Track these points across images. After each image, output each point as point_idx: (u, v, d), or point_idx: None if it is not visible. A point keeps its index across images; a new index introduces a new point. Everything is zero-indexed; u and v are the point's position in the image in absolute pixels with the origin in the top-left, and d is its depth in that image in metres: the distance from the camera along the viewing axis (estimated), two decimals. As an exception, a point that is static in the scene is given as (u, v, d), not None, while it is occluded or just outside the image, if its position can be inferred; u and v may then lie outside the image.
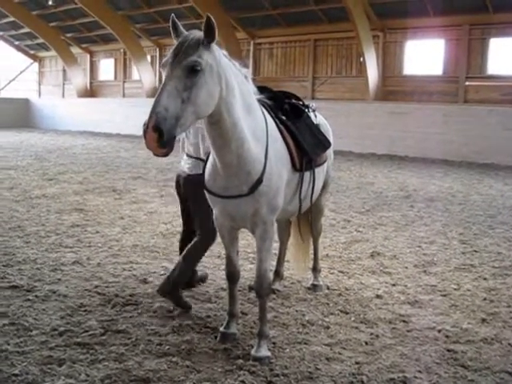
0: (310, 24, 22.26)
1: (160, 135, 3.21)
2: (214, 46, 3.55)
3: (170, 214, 9.01)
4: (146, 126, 3.23)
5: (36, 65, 36.90)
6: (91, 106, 30.70)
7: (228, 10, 23.34)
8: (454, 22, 19.08)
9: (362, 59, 20.53)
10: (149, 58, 28.99)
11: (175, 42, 3.51)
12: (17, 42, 35.35)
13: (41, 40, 31.88)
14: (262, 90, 4.40)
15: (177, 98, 3.30)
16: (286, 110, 4.50)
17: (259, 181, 3.90)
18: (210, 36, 3.45)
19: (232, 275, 4.45)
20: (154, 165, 15.55)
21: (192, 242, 5.12)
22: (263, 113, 4.13)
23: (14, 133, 27.31)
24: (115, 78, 32.23)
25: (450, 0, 18.63)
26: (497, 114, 17.32)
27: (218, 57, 3.57)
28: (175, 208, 9.50)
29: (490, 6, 17.96)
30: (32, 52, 36.26)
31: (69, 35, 31.76)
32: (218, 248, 6.92)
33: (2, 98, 34.70)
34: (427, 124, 18.19)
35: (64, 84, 34.82)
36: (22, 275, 5.81)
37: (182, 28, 3.54)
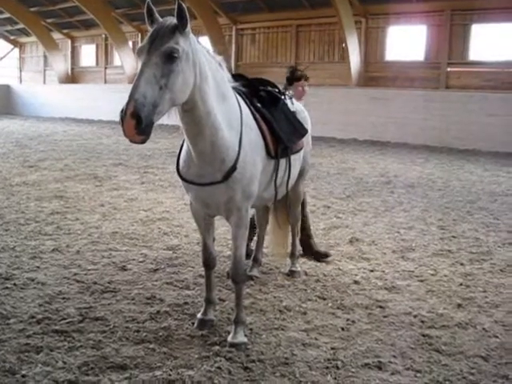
0: (293, 9, 22.13)
1: (138, 122, 3.20)
2: (190, 33, 3.53)
3: (150, 201, 8.99)
4: (124, 113, 3.21)
5: (16, 50, 36.36)
6: (73, 92, 30.36)
7: (210, -4, 23.16)
8: (435, 7, 19.07)
9: (344, 45, 20.48)
10: (130, 43, 28.65)
11: (150, 29, 3.48)
12: (-4, 28, 34.82)
13: (21, 25, 31.33)
14: (237, 77, 4.39)
15: (154, 85, 3.29)
16: (261, 97, 4.49)
17: (233, 168, 3.91)
18: (182, 22, 3.43)
19: (208, 261, 4.47)
20: (135, 151, 15.44)
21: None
22: (238, 100, 4.13)
23: (-5, 119, 26.99)
24: (97, 63, 31.87)
25: (432, -15, 18.65)
26: (478, 99, 17.40)
27: (192, 44, 3.56)
28: (155, 195, 9.50)
29: (472, -9, 18.00)
30: (12, 37, 35.70)
31: (49, 20, 31.27)
32: (196, 235, 6.94)
33: (-19, 84, 34.21)
34: (409, 110, 18.25)
35: (45, 70, 34.35)
36: (0, 263, 5.77)
37: (157, 15, 3.51)
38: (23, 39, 35.17)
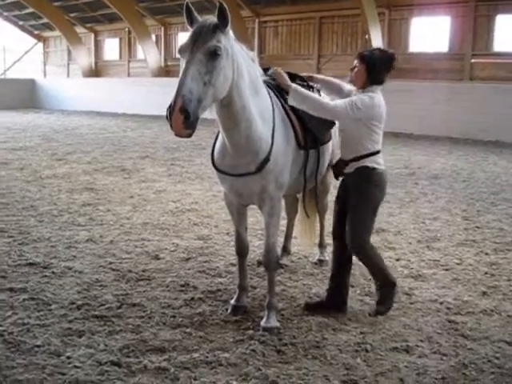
0: (315, 1, 22.18)
1: (186, 117, 3.39)
2: (229, 31, 3.70)
3: (178, 193, 9.20)
4: (172, 108, 3.39)
5: (40, 45, 36.87)
6: (96, 85, 30.74)
7: (233, -12, 23.26)
8: (459, -2, 19.00)
9: (367, 37, 20.47)
10: (153, 37, 28.96)
11: (190, 28, 3.66)
12: (21, 23, 35.26)
13: (45, 20, 31.80)
14: (265, 71, 4.54)
15: (199, 81, 3.48)
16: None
17: (266, 159, 4.07)
18: (223, 21, 3.61)
19: (241, 250, 4.65)
20: (161, 144, 15.72)
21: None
22: (269, 94, 4.28)
23: (21, 113, 27.44)
24: (120, 57, 32.23)
25: (456, -24, 18.56)
26: (502, 91, 17.31)
27: (231, 41, 3.73)
28: (183, 187, 9.71)
29: (496, -18, 17.88)
30: (36, 32, 36.20)
31: (73, 15, 31.70)
32: (226, 225, 7.14)
33: (7, 78, 34.78)
34: (432, 101, 18.20)
35: (69, 64, 34.82)
36: (37, 253, 6.01)
37: (196, 14, 3.68)
38: (47, 34, 35.64)
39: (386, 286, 4.54)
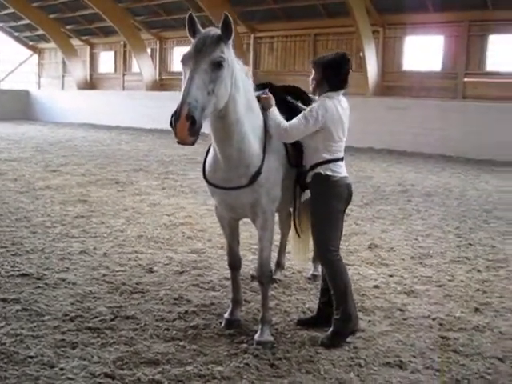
0: (310, 18, 22.35)
1: (192, 124, 3.44)
2: (231, 43, 3.78)
3: (172, 206, 9.21)
4: (178, 116, 3.44)
5: (35, 56, 36.90)
6: (91, 98, 30.76)
7: (230, 4, 23.43)
8: (453, 18, 19.19)
9: (361, 54, 20.64)
10: (149, 50, 29.06)
11: (191, 39, 3.73)
12: (16, 34, 35.28)
13: (40, 31, 31.83)
14: (264, 86, 4.57)
15: (204, 90, 3.54)
16: (288, 106, 4.63)
17: (258, 173, 4.12)
18: (227, 33, 3.70)
19: (233, 263, 4.69)
20: (155, 157, 15.76)
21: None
22: (260, 109, 4.33)
23: (14, 125, 27.37)
24: (115, 70, 32.28)
25: (450, -4, 18.80)
26: (495, 110, 17.46)
27: (232, 53, 3.81)
28: (177, 200, 9.72)
29: (489, 2, 18.09)
30: (31, 43, 36.22)
31: (69, 27, 31.76)
32: (220, 239, 7.15)
33: (2, 89, 34.69)
34: (426, 119, 18.32)
35: (64, 76, 34.82)
36: (31, 264, 6.01)
37: (198, 25, 3.74)
38: (42, 45, 35.69)
39: (340, 319, 4.31)
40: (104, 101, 29.65)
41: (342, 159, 4.46)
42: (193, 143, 3.53)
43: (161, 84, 28.93)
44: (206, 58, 3.60)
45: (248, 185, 4.11)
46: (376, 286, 5.58)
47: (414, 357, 4.09)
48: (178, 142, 3.54)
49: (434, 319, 4.79)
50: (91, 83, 33.14)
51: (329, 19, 22.08)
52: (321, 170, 4.32)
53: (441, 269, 6.25)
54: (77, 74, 32.56)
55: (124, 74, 31.41)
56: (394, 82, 20.89)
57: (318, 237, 4.41)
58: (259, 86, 4.56)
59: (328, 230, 4.38)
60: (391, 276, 5.96)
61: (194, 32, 3.76)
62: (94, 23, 29.98)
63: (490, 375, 3.85)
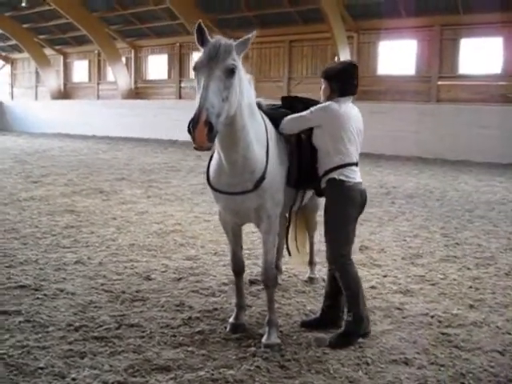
0: (286, 25, 22.60)
1: (210, 129, 3.51)
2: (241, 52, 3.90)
3: (160, 214, 9.23)
4: (196, 121, 3.49)
5: (8, 67, 36.52)
6: (65, 108, 30.58)
7: (204, 12, 23.54)
8: (425, 22, 19.64)
9: (336, 59, 20.92)
10: (124, 59, 29.01)
11: (200, 48, 3.82)
12: (-12, 44, 34.98)
13: (13, 41, 31.59)
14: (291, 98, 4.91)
15: (219, 97, 3.62)
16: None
17: (262, 178, 4.20)
18: (243, 47, 3.87)
19: (237, 268, 4.74)
20: (135, 166, 15.75)
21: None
22: (262, 116, 4.43)
23: (-12, 136, 27.06)
24: (89, 79, 32.14)
25: (422, 1, 19.17)
26: (468, 112, 17.89)
27: (240, 61, 3.90)
28: (164, 208, 9.75)
29: (460, 7, 18.53)
30: (4, 54, 35.89)
31: (42, 37, 31.55)
32: (212, 245, 7.23)
33: (-27, 100, 34.29)
34: (402, 123, 18.68)
35: (37, 86, 34.57)
36: (26, 275, 5.97)
37: (207, 34, 3.83)
38: (15, 55, 35.37)
39: (352, 322, 4.40)
40: (79, 110, 29.50)
41: (356, 164, 4.54)
42: (209, 149, 3.61)
43: (136, 92, 28.89)
44: (219, 65, 3.68)
45: (253, 190, 4.19)
46: (372, 287, 5.70)
47: (418, 353, 4.21)
48: (195, 148, 3.59)
49: (432, 317, 4.92)
50: (65, 93, 32.93)
51: (304, 26, 22.35)
52: (335, 175, 4.42)
53: (432, 268, 6.41)
54: (50, 83, 32.33)
55: (98, 83, 31.31)
56: (370, 87, 21.18)
57: (331, 242, 4.49)
58: (287, 99, 4.89)
59: (341, 236, 4.47)
60: (385, 276, 6.09)
61: (202, 41, 3.83)
62: (68, 33, 29.84)
63: (493, 368, 3.99)
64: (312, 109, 4.46)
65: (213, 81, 3.62)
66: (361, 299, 4.46)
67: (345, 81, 4.50)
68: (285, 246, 6.02)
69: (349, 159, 4.46)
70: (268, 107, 4.69)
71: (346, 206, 4.46)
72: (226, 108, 3.70)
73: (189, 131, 3.54)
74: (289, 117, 4.54)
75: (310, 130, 4.56)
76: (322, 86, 4.56)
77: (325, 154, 4.47)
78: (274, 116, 4.59)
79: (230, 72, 3.72)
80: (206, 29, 3.83)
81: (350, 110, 4.51)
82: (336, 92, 4.47)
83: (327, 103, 4.45)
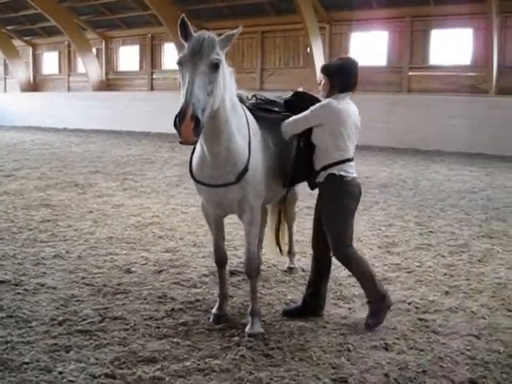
0: (258, 16, 22.57)
1: (196, 124, 3.56)
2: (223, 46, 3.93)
3: (136, 207, 9.23)
4: (183, 116, 3.53)
5: (-26, 59, 35.76)
6: (36, 100, 30.09)
7: (176, 2, 23.38)
8: (396, 14, 19.83)
9: (308, 50, 21.03)
10: (94, 50, 28.66)
11: (184, 42, 3.84)
12: (-47, 35, 34.14)
13: (-20, 33, 30.97)
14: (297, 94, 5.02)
15: (204, 91, 3.67)
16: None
17: (245, 170, 4.27)
18: (227, 42, 3.91)
19: (220, 259, 4.81)
20: (109, 158, 15.66)
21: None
22: (243, 108, 4.49)
23: (-44, 129, 26.52)
24: (60, 71, 31.68)
25: (393, -8, 19.40)
26: (439, 102, 18.14)
27: (223, 57, 3.95)
28: (140, 201, 9.74)
29: (431, -2, 18.78)
30: (-30, 45, 35.11)
31: (10, 28, 30.95)
32: (191, 237, 7.28)
33: None
34: (373, 113, 18.78)
35: (6, 78, 33.92)
36: (5, 270, 5.94)
37: (191, 29, 3.86)
38: (-19, 47, 34.62)
39: (374, 301, 4.60)
40: (49, 102, 29.06)
41: (352, 159, 4.69)
42: (194, 143, 3.67)
43: (107, 84, 28.60)
44: (204, 60, 3.72)
45: (236, 182, 4.25)
46: (350, 275, 5.79)
47: (398, 339, 4.34)
48: (181, 142, 3.63)
49: (409, 303, 5.07)
50: (35, 85, 32.43)
51: (276, 16, 22.37)
52: (334, 170, 4.55)
53: (408, 256, 6.57)
54: (19, 75, 31.79)
55: (69, 75, 30.90)
56: (342, 77, 21.28)
57: (334, 234, 4.60)
58: (293, 96, 5.00)
59: (342, 228, 4.60)
60: (363, 265, 6.21)
61: (186, 35, 3.86)
62: (37, 23, 29.35)
63: (470, 351, 4.14)
64: (312, 108, 4.55)
65: (198, 75, 3.66)
66: (375, 279, 4.63)
67: (345, 77, 4.61)
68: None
69: (348, 155, 4.62)
70: (274, 98, 4.93)
71: (346, 199, 4.61)
72: (211, 102, 3.75)
73: (175, 126, 3.58)
74: (290, 119, 4.65)
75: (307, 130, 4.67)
76: (322, 82, 4.66)
77: (323, 151, 4.59)
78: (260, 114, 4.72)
79: (215, 66, 3.76)
80: (189, 23, 3.86)
81: (349, 106, 4.64)
82: (336, 88, 4.58)
83: (326, 101, 4.55)
